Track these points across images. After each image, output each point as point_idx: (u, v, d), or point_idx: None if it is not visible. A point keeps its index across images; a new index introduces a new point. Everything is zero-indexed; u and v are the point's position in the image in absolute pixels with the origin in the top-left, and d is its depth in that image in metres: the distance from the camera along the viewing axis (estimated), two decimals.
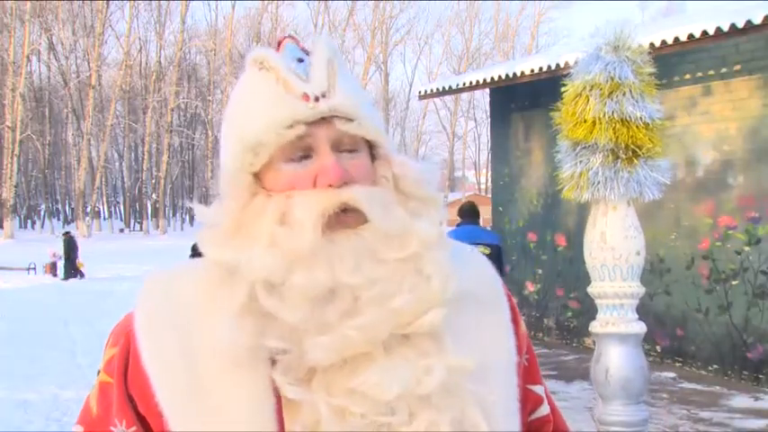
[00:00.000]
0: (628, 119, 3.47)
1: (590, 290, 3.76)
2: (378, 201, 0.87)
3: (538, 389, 1.04)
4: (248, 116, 0.90)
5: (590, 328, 3.80)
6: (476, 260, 1.04)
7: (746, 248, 7.13)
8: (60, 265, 21.23)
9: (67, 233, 22.45)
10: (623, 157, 3.50)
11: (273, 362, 0.85)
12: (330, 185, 0.86)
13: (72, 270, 20.69)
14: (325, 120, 0.88)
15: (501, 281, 1.04)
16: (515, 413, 0.94)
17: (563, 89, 3.74)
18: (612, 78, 3.51)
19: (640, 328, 3.68)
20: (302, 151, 0.88)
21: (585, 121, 3.55)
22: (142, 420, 0.88)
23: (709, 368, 7.49)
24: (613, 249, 3.58)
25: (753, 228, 7.09)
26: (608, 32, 3.64)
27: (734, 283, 7.25)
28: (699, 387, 7.00)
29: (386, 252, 0.85)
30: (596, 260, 3.65)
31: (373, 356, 0.83)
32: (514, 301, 1.05)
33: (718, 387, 6.99)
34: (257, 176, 0.90)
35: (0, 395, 6.83)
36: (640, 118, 3.49)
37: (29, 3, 42.96)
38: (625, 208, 3.61)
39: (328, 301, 0.83)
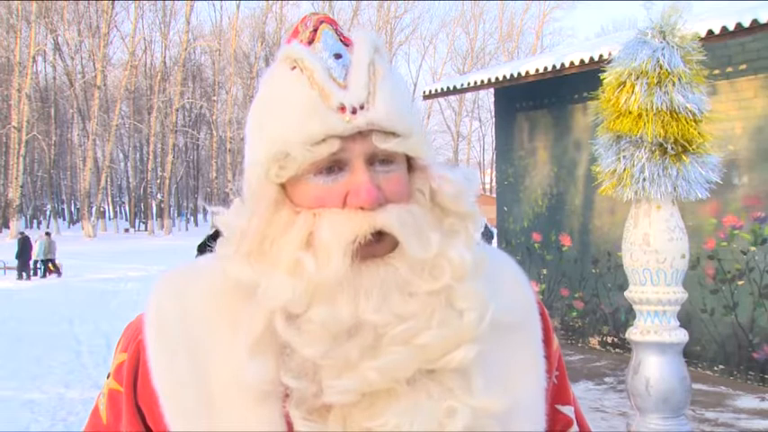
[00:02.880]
0: (677, 111, 3.17)
1: (628, 294, 3.44)
2: (411, 225, 0.80)
3: (567, 410, 0.99)
4: (277, 123, 0.83)
5: (627, 335, 3.48)
6: (510, 275, 0.97)
7: (752, 248, 7.11)
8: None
9: (22, 233, 22.49)
10: (672, 152, 3.19)
11: (287, 392, 0.81)
12: (362, 208, 0.79)
13: (24, 270, 20.70)
14: (361, 133, 0.80)
15: (534, 295, 0.98)
16: None
17: (603, 75, 3.36)
18: (661, 66, 3.18)
19: (683, 335, 3.39)
20: (334, 164, 0.81)
21: (630, 113, 3.22)
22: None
23: (715, 368, 7.47)
24: (657, 252, 3.29)
25: (758, 227, 7.07)
26: (654, 16, 3.27)
27: (739, 283, 7.23)
28: (704, 387, 6.97)
29: (417, 284, 0.79)
30: (637, 263, 3.33)
31: (395, 391, 0.78)
32: (548, 316, 0.99)
33: (723, 387, 6.97)
34: (283, 186, 0.84)
35: (7, 395, 6.86)
36: (690, 110, 3.19)
37: (35, 3, 43.10)
38: (670, 207, 3.31)
39: (350, 336, 0.77)
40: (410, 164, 0.87)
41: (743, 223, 7.20)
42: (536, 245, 9.90)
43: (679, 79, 3.18)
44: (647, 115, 3.17)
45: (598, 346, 8.98)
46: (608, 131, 3.35)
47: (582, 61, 7.97)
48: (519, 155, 10.19)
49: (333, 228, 0.79)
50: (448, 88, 10.91)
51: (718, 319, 7.44)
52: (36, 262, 21.24)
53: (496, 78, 9.46)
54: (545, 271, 9.77)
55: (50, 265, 21.29)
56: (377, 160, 0.82)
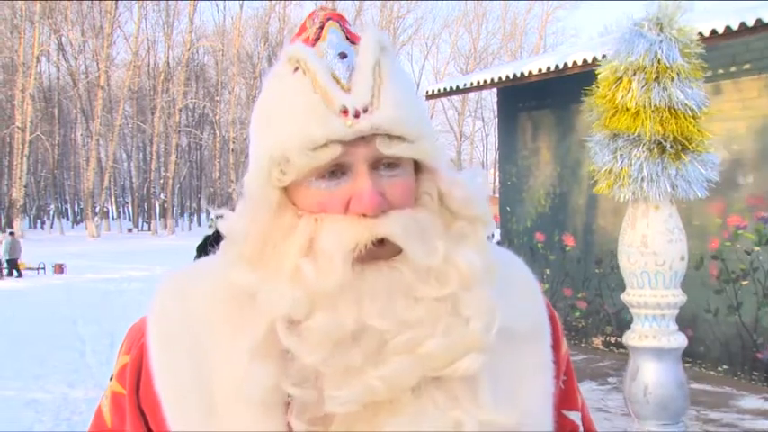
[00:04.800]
0: (676, 108, 3.04)
1: (625, 298, 3.33)
2: (416, 232, 0.78)
3: (574, 415, 0.97)
4: (278, 127, 0.81)
5: (624, 340, 3.37)
6: (520, 278, 0.95)
7: (756, 248, 7.09)
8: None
9: None
10: (671, 151, 3.08)
11: (289, 400, 0.79)
12: (364, 215, 0.77)
13: None
14: (365, 138, 0.78)
15: (544, 299, 0.96)
16: None
17: (598, 71, 3.25)
18: (659, 61, 3.04)
19: (683, 340, 3.28)
20: (336, 168, 0.79)
21: (627, 110, 3.09)
22: None
23: (719, 369, 7.45)
24: (656, 254, 3.18)
25: (763, 227, 7.05)
26: (651, 8, 3.13)
27: (744, 283, 7.21)
28: (708, 387, 6.96)
29: (422, 289, 0.77)
30: (635, 266, 3.21)
31: (399, 401, 0.76)
32: (557, 318, 0.97)
33: (727, 388, 6.95)
34: (285, 189, 0.82)
35: (10, 394, 6.88)
36: (690, 107, 3.06)
37: (38, 4, 43.20)
38: (668, 208, 3.21)
39: (354, 341, 0.76)
40: (417, 165, 0.84)
41: (747, 223, 7.18)
42: (539, 245, 9.89)
43: (678, 74, 3.05)
44: (644, 112, 3.05)
45: (601, 347, 8.97)
46: (604, 129, 3.23)
47: (585, 61, 7.96)
48: (522, 155, 10.17)
49: (333, 235, 0.77)
50: (451, 88, 10.90)
51: (722, 320, 7.42)
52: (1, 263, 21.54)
53: (499, 78, 9.45)
54: (548, 271, 9.76)
55: (14, 265, 21.50)
56: (381, 164, 0.80)
